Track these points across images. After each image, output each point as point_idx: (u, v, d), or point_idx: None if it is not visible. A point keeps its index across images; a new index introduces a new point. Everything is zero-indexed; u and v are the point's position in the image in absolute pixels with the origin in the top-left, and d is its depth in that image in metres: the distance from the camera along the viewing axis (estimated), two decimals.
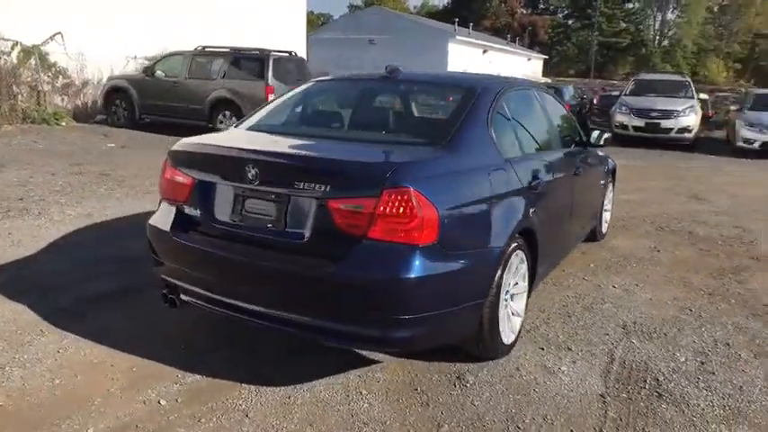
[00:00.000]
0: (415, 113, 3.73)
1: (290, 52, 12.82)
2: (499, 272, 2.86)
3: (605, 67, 60.91)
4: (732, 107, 15.25)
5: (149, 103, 12.66)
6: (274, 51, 12.75)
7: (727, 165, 11.92)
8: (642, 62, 58.71)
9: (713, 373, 3.16)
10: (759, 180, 10.31)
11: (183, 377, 2.95)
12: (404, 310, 2.45)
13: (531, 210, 3.14)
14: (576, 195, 4.11)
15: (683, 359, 3.31)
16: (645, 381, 3.06)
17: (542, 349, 3.36)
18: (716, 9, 60.98)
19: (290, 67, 12.49)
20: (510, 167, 3.07)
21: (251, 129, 3.45)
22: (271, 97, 11.73)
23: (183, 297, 3.02)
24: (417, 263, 2.43)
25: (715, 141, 15.95)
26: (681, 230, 6.28)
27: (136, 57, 14.68)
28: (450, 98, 3.35)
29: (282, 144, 3.09)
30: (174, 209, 3.04)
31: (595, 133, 4.50)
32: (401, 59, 33.27)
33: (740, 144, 12.94)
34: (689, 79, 15.75)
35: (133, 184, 7.37)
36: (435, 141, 2.91)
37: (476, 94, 3.21)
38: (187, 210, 2.97)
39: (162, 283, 3.21)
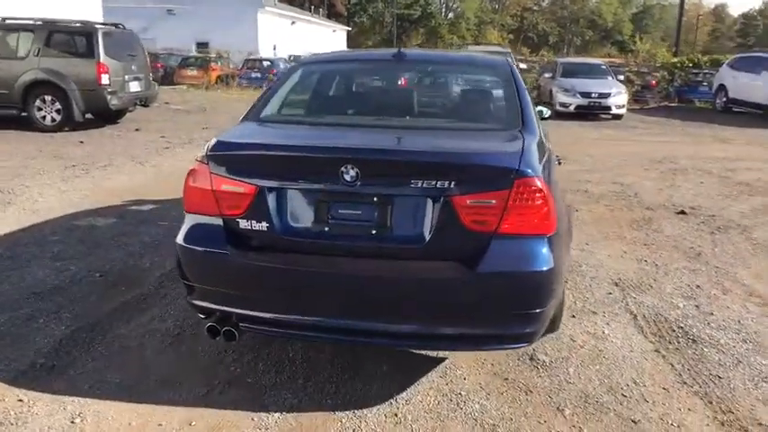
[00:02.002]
0: (462, 96, 3.55)
1: (116, 25, 11.24)
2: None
3: (399, 38, 64.03)
4: (546, 75, 17.20)
5: None
6: (99, 24, 11.10)
7: (557, 127, 13.45)
8: (432, 33, 62.99)
9: (712, 314, 3.63)
10: (592, 138, 11.84)
11: (261, 420, 2.53)
12: (540, 304, 2.39)
13: None
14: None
15: (682, 305, 3.75)
16: (673, 330, 3.40)
17: (574, 317, 3.54)
18: None
19: (121, 42, 10.97)
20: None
21: (278, 122, 2.99)
22: (104, 78, 10.27)
23: (242, 326, 2.55)
24: (549, 253, 2.37)
25: None
26: (577, 190, 6.98)
27: None
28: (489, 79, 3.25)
29: (370, 137, 2.74)
30: (220, 224, 2.53)
31: (545, 110, 4.75)
32: (207, 32, 31.71)
33: (558, 108, 14.68)
34: (606, 64, 17.48)
35: None
36: (510, 126, 2.82)
37: (512, 73, 3.17)
38: (244, 223, 2.49)
39: (201, 314, 2.69)
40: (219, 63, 25.06)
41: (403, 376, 2.86)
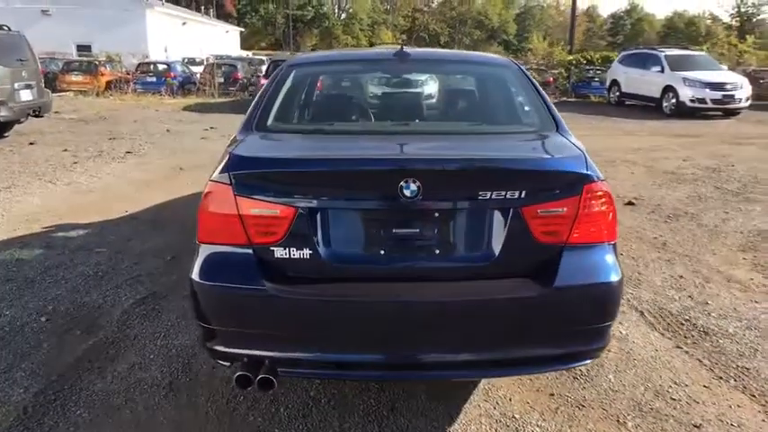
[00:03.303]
0: (482, 97, 3.29)
1: (1, 26, 9.95)
2: None
3: (294, 39, 63.05)
4: None
5: None
6: None
7: None
8: (326, 34, 62.62)
9: (707, 303, 3.71)
10: None
11: None
12: (611, 316, 2.24)
13: None
14: None
15: (678, 297, 3.80)
16: (682, 324, 3.42)
17: None
18: None
19: (8, 45, 9.72)
20: None
21: (294, 132, 2.64)
22: None
23: (281, 371, 2.18)
24: (616, 262, 2.23)
25: None
26: None
27: None
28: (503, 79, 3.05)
29: (426, 146, 2.45)
30: (250, 254, 2.15)
31: None
32: (89, 34, 29.41)
33: None
34: None
35: None
36: (546, 128, 2.65)
37: (522, 71, 3.02)
38: (281, 252, 2.13)
39: (223, 361, 2.29)
40: (110, 67, 23.17)
41: (445, 405, 2.62)
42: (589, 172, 2.17)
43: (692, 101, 14.70)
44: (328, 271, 2.14)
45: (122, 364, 2.98)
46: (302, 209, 2.10)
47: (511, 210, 2.11)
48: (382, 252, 2.14)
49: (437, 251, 2.14)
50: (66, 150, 9.29)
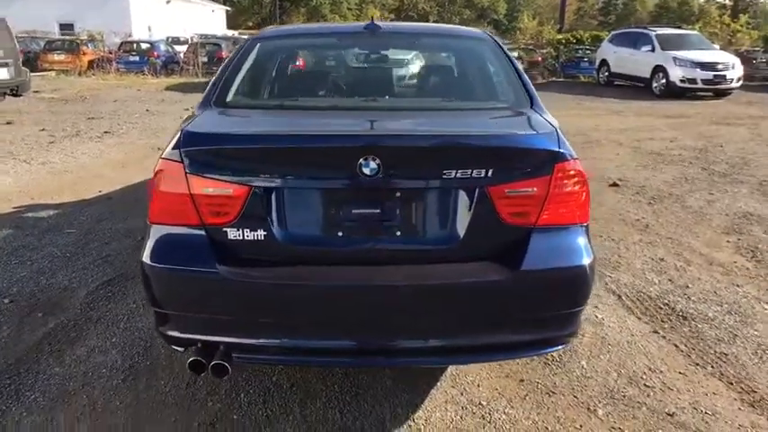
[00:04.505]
0: (454, 71, 3.15)
1: None
2: None
3: (280, 18, 62.09)
4: None
5: None
6: None
7: None
8: (314, 12, 61.69)
9: (688, 287, 3.64)
10: None
11: None
12: (582, 300, 2.15)
13: None
14: None
15: (657, 281, 3.73)
16: (660, 308, 3.35)
17: None
18: None
19: None
20: None
21: (253, 107, 2.51)
22: None
23: (236, 357, 2.09)
24: (588, 244, 2.14)
25: None
26: None
27: None
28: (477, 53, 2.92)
29: (388, 121, 2.33)
30: (202, 236, 2.03)
31: None
32: (71, 12, 28.71)
33: None
34: None
35: None
36: (520, 104, 2.53)
37: (498, 44, 2.89)
38: (234, 233, 2.02)
39: (177, 346, 2.19)
40: (92, 47, 22.68)
41: (411, 391, 2.54)
42: (561, 150, 2.06)
43: (681, 81, 14.59)
44: (283, 253, 2.03)
45: (82, 348, 2.88)
46: (256, 188, 1.99)
47: (477, 189, 2.00)
48: (341, 234, 2.03)
49: (398, 233, 2.03)
50: (43, 130, 9.08)
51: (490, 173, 1.98)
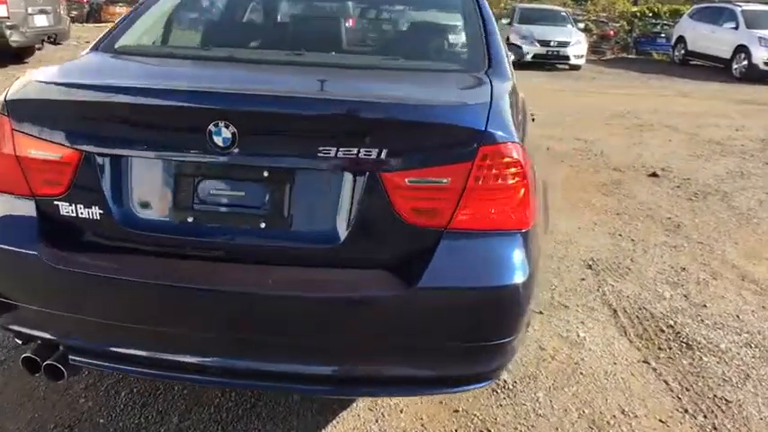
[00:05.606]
0: (410, 27, 2.64)
1: None
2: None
3: None
4: (503, 20, 16.22)
5: None
6: None
7: None
8: None
9: (705, 306, 3.00)
10: (550, 90, 11.13)
11: None
12: (509, 330, 1.63)
13: None
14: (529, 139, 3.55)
15: (669, 296, 3.10)
16: (662, 331, 2.75)
17: (542, 313, 2.84)
18: None
19: None
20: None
21: (139, 54, 2.09)
22: (1, 9, 8.82)
23: (72, 360, 1.70)
24: (525, 257, 1.60)
25: None
26: (538, 147, 6.25)
27: None
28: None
29: (256, 78, 1.90)
30: (31, 208, 1.65)
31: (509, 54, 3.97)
32: None
33: (512, 57, 13.83)
34: (566, 12, 16.52)
35: None
36: (473, 67, 1.99)
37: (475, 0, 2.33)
38: (66, 208, 1.62)
39: (19, 340, 1.84)
40: None
41: (320, 411, 2.10)
42: (490, 129, 1.52)
43: (766, 63, 13.09)
44: (122, 238, 1.61)
45: None
46: (87, 153, 1.57)
47: (366, 175, 1.51)
48: (191, 220, 1.59)
49: (263, 224, 1.57)
50: None
51: (383, 154, 1.48)
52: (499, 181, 1.54)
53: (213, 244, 1.60)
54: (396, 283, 1.52)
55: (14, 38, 9.11)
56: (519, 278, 1.56)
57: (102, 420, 2.04)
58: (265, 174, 1.54)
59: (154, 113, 1.55)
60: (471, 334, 1.58)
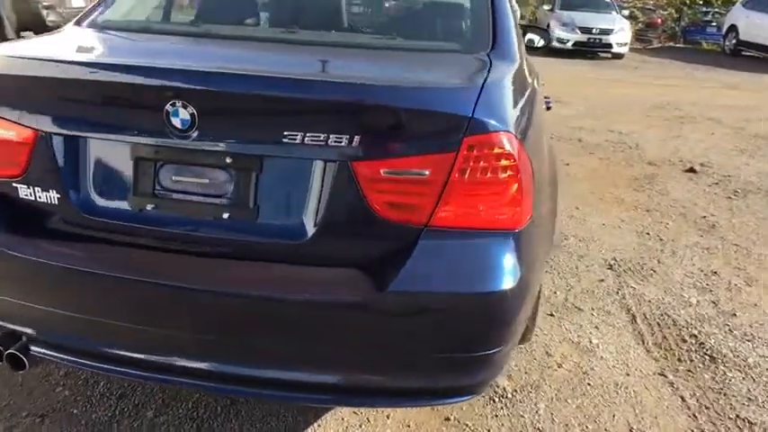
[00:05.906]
0: (404, 1, 2.49)
1: None
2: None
3: None
4: (545, 6, 15.73)
5: None
6: None
7: (554, 64, 12.25)
8: None
9: (734, 315, 2.76)
10: (589, 78, 10.72)
11: None
12: (495, 341, 1.46)
13: None
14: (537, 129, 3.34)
15: (695, 301, 2.86)
16: (684, 341, 2.53)
17: (552, 315, 2.65)
18: None
19: None
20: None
21: (116, 29, 1.98)
22: None
23: (34, 351, 1.62)
24: (516, 260, 1.42)
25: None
26: (570, 139, 5.99)
27: None
28: None
29: (223, 55, 1.78)
30: None
31: (536, 38, 3.77)
32: None
33: (555, 44, 13.38)
34: None
35: None
36: (474, 47, 1.82)
37: None
38: (24, 191, 1.53)
39: None
40: None
41: (302, 412, 1.99)
42: (478, 116, 1.35)
43: None
44: (81, 225, 1.51)
45: None
46: (43, 132, 1.47)
47: (337, 164, 1.36)
48: (150, 207, 1.47)
49: (226, 215, 1.44)
50: None
51: (356, 141, 1.33)
52: (488, 175, 1.37)
53: (174, 234, 1.47)
54: (366, 286, 1.37)
55: (51, 17, 9.22)
56: (507, 284, 1.39)
57: (75, 411, 1.96)
58: (228, 160, 1.41)
59: (109, 92, 1.43)
60: (451, 344, 1.42)
